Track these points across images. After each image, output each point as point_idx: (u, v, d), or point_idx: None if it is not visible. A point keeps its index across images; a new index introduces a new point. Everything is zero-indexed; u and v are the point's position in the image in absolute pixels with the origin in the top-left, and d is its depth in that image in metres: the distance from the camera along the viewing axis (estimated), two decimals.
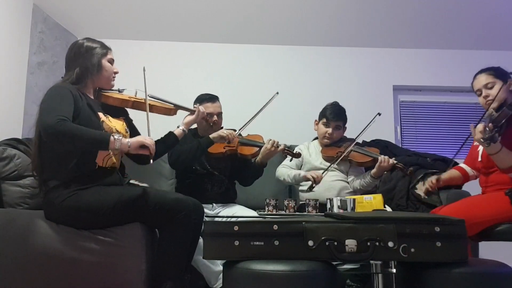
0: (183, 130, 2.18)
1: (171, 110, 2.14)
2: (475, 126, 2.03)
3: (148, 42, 3.63)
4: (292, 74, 3.67)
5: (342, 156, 2.64)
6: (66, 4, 3.22)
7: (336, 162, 2.65)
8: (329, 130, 2.77)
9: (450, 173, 2.46)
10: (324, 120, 2.79)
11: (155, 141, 2.12)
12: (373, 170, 2.61)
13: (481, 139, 1.98)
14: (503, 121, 2.04)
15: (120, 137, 1.75)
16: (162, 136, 2.19)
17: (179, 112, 2.22)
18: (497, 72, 2.26)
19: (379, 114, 2.71)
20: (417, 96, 3.79)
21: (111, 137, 1.73)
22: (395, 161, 2.57)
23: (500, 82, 2.22)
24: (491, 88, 2.22)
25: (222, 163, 2.58)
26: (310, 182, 2.53)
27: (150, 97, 2.08)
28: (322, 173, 2.56)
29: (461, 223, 1.51)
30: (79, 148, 1.78)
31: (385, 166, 2.56)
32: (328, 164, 2.70)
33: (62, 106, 1.75)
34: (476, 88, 2.30)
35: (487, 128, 1.95)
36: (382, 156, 2.59)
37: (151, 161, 1.78)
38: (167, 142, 2.16)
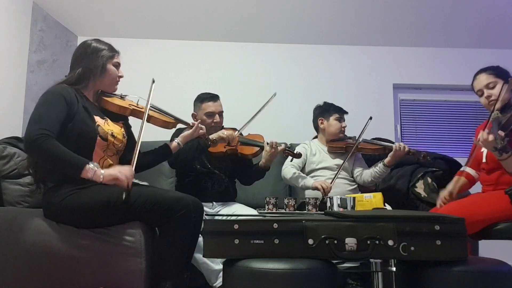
0: (178, 144, 2.16)
1: (169, 123, 2.11)
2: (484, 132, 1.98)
3: (147, 40, 3.63)
4: (293, 72, 3.67)
5: (355, 147, 2.68)
6: (66, 2, 3.22)
7: (350, 154, 2.69)
8: (343, 123, 2.84)
9: (459, 183, 2.39)
10: (337, 115, 2.83)
11: (148, 151, 2.13)
12: (387, 158, 2.64)
13: (493, 148, 1.94)
14: None
15: (96, 168, 1.71)
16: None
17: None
18: (497, 71, 2.22)
19: (371, 118, 2.75)
20: (417, 95, 3.79)
21: (87, 165, 1.70)
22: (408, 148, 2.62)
23: (501, 81, 2.19)
24: (492, 88, 2.19)
25: (222, 162, 2.58)
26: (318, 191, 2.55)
27: (151, 107, 2.05)
28: (331, 182, 2.57)
29: (461, 221, 1.51)
30: (53, 167, 1.77)
31: (400, 153, 2.60)
32: (334, 160, 2.75)
33: (50, 117, 1.73)
34: (477, 89, 2.27)
35: (497, 137, 1.90)
36: (398, 143, 2.62)
37: (124, 195, 1.71)
38: (160, 154, 2.15)
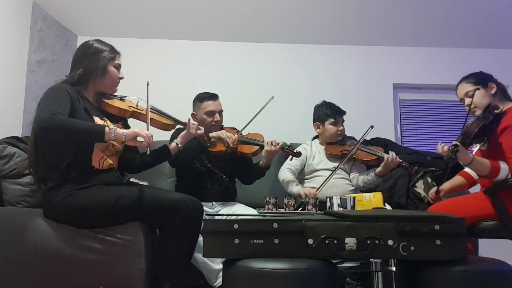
0: (177, 144, 2.13)
1: (169, 125, 2.10)
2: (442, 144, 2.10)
3: (147, 40, 3.62)
4: (292, 72, 3.67)
5: (348, 157, 2.66)
6: (66, 2, 3.21)
7: (343, 162, 2.66)
8: (340, 127, 2.82)
9: (453, 182, 2.43)
10: (332, 120, 2.81)
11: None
12: (378, 168, 2.63)
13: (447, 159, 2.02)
14: (476, 131, 2.06)
15: (115, 128, 1.72)
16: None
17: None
18: (477, 79, 2.26)
19: (372, 126, 2.69)
20: (417, 94, 3.79)
21: (106, 128, 1.70)
22: (400, 160, 2.59)
23: (479, 88, 2.23)
24: (471, 96, 2.23)
25: (222, 161, 2.58)
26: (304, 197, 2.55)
27: (151, 109, 2.05)
28: (317, 190, 2.55)
29: (461, 221, 1.52)
30: (75, 140, 1.76)
31: (391, 164, 2.58)
32: (332, 163, 2.74)
33: (57, 104, 1.73)
34: (460, 98, 2.33)
35: (450, 148, 2.00)
36: (390, 154, 2.60)
37: (148, 150, 1.75)
38: (159, 155, 2.14)
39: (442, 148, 2.08)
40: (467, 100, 2.25)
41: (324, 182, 2.58)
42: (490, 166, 2.03)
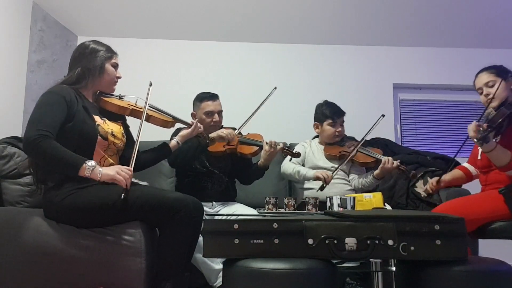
0: (177, 142, 2.17)
1: (168, 122, 2.12)
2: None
3: (147, 40, 3.63)
4: (292, 72, 3.67)
5: (349, 157, 2.66)
6: (66, 2, 3.21)
7: (345, 163, 2.66)
8: (338, 128, 2.81)
9: (453, 174, 2.45)
10: (330, 120, 2.80)
11: (147, 150, 2.16)
12: (376, 171, 2.62)
13: (474, 139, 2.00)
14: (500, 120, 2.05)
15: (93, 167, 1.71)
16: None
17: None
18: (499, 71, 2.26)
19: (383, 115, 2.71)
20: (417, 95, 3.79)
21: (84, 164, 1.70)
22: (398, 163, 2.58)
23: (501, 80, 2.22)
24: (491, 86, 2.22)
25: (222, 161, 2.58)
26: (320, 182, 2.55)
27: (149, 107, 2.06)
28: (332, 173, 2.57)
29: (461, 221, 1.51)
30: (51, 167, 1.78)
31: (388, 167, 2.56)
32: (331, 163, 2.74)
33: (49, 118, 1.74)
34: (478, 87, 2.31)
35: (481, 128, 1.98)
36: (386, 157, 2.59)
37: (123, 195, 1.71)
38: (159, 152, 2.17)
39: (470, 127, 2.03)
40: (487, 90, 2.24)
41: (336, 169, 2.61)
42: (511, 156, 2.02)
